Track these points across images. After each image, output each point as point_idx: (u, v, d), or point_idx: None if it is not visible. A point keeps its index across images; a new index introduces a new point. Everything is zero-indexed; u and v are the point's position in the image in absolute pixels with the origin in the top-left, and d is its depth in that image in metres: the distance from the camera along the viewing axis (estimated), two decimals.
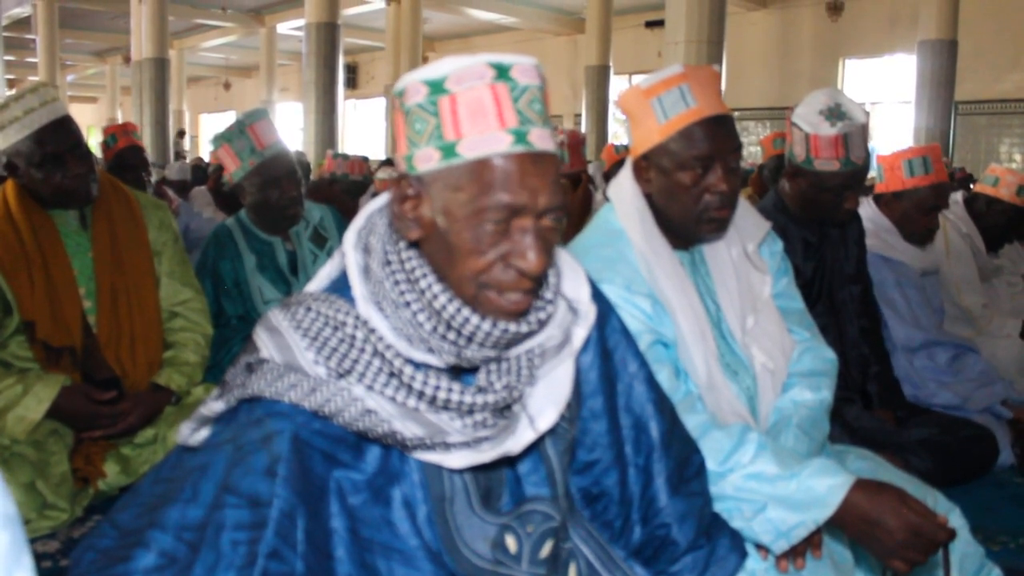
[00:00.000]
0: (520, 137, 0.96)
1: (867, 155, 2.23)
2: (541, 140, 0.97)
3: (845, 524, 1.29)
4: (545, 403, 1.06)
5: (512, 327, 1.01)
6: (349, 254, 1.05)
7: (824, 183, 2.22)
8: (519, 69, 0.97)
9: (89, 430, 2.20)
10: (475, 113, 0.95)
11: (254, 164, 2.64)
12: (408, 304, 1.00)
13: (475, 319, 0.99)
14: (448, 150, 0.95)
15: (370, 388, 0.99)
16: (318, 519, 0.97)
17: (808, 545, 1.33)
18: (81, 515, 2.18)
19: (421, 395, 0.99)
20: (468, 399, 1.00)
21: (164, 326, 2.42)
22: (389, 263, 1.02)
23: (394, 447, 1.02)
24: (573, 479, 1.23)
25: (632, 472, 1.24)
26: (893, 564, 1.26)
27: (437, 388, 0.99)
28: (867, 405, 2.49)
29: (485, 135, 0.95)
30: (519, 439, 1.03)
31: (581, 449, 1.22)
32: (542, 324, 1.05)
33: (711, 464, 1.34)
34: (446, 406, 1.00)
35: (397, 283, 1.01)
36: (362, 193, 4.60)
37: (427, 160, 0.97)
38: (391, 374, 1.00)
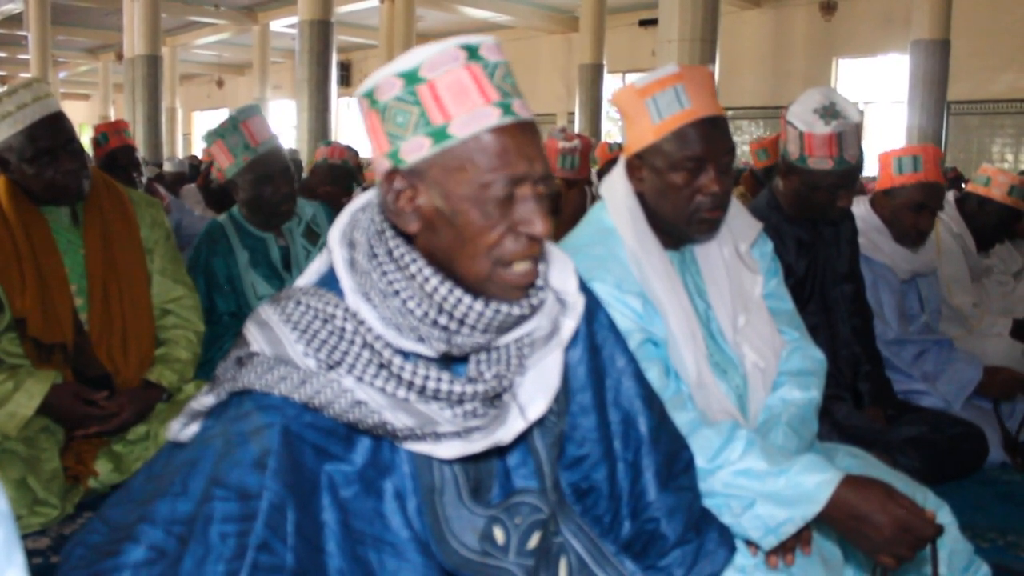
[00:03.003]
0: (507, 109, 0.98)
1: (860, 154, 2.23)
2: (523, 109, 1.00)
3: (833, 520, 1.30)
4: (535, 393, 1.07)
5: (504, 308, 1.02)
6: (335, 250, 1.06)
7: (817, 182, 2.22)
8: (486, 48, 1.00)
9: (79, 428, 2.19)
10: (458, 94, 0.96)
11: (248, 160, 2.64)
12: (397, 292, 1.00)
13: (467, 299, 1.00)
14: (439, 134, 0.96)
15: (360, 379, 1.00)
16: (309, 512, 0.97)
17: (797, 541, 1.34)
18: (72, 512, 2.17)
19: (411, 385, 1.00)
20: (458, 388, 1.01)
21: (156, 323, 2.41)
22: (375, 255, 1.02)
23: (385, 439, 1.03)
24: (563, 474, 1.24)
25: (621, 467, 1.25)
26: (881, 560, 1.27)
27: (427, 378, 1.00)
28: (858, 404, 2.50)
29: (473, 112, 0.96)
30: (509, 429, 1.03)
31: (571, 444, 1.23)
32: (534, 309, 1.06)
33: (700, 461, 1.34)
34: (436, 396, 1.01)
35: (385, 273, 1.01)
36: (344, 179, 4.53)
37: (417, 149, 0.97)
38: (380, 365, 1.00)
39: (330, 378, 0.99)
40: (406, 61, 0.97)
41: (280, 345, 1.01)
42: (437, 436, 1.01)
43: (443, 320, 1.00)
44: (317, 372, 1.00)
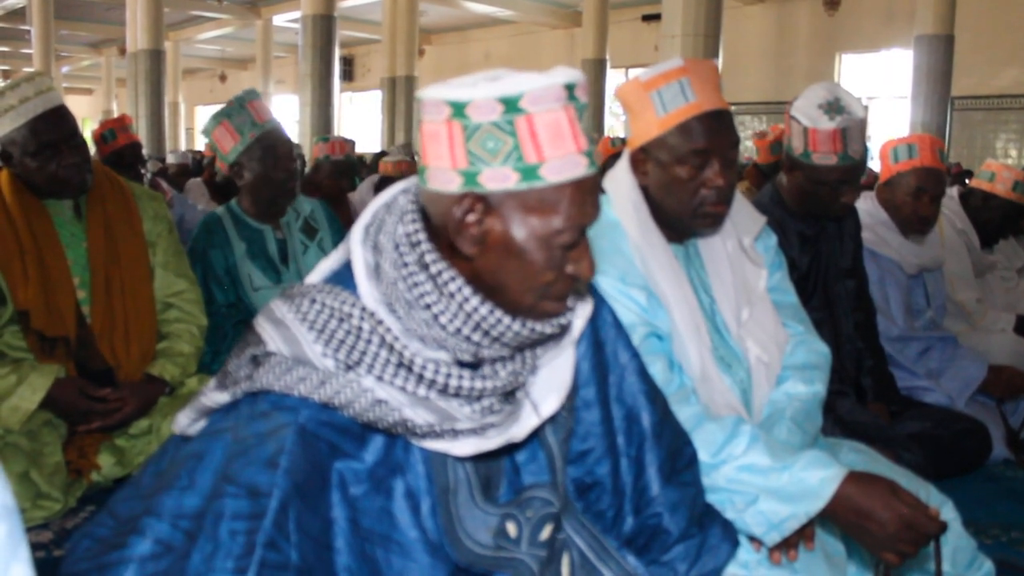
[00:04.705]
0: (591, 159, 0.98)
1: (865, 150, 2.23)
2: (597, 157, 1.01)
3: (837, 516, 1.30)
4: (547, 390, 1.08)
5: (539, 327, 1.03)
6: (356, 250, 1.04)
7: (821, 177, 2.21)
8: (580, 88, 0.99)
9: (82, 423, 2.20)
10: (555, 136, 0.96)
11: (254, 136, 2.64)
12: (428, 306, 1.00)
13: (507, 320, 1.01)
14: (529, 172, 0.95)
15: (380, 379, 1.00)
16: (317, 509, 0.97)
17: (800, 537, 1.33)
18: (75, 505, 2.18)
19: (432, 383, 1.00)
20: (479, 384, 1.01)
21: (158, 317, 2.42)
22: (405, 264, 1.01)
23: (399, 438, 1.03)
24: (568, 469, 1.24)
25: (624, 463, 1.25)
26: (884, 556, 1.27)
27: (449, 375, 1.00)
28: (861, 399, 2.50)
29: (566, 159, 0.96)
30: (523, 425, 1.04)
31: (575, 439, 1.23)
32: (563, 329, 1.07)
33: (704, 456, 1.34)
34: (457, 393, 1.01)
35: (416, 284, 1.00)
36: (349, 173, 4.49)
37: (502, 180, 0.96)
38: (400, 364, 1.00)
39: (349, 378, 0.99)
40: (508, 87, 0.94)
41: (297, 345, 1.01)
42: (455, 433, 1.01)
43: (476, 337, 1.01)
44: (336, 373, 0.99)
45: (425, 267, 1.00)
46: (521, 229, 0.97)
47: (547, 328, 1.04)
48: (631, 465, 1.25)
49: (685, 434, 1.33)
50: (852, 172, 2.21)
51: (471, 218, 0.98)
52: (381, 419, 0.99)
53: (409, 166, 5.51)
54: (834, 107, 2.15)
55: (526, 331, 1.02)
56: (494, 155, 0.95)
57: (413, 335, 1.01)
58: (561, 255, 1.00)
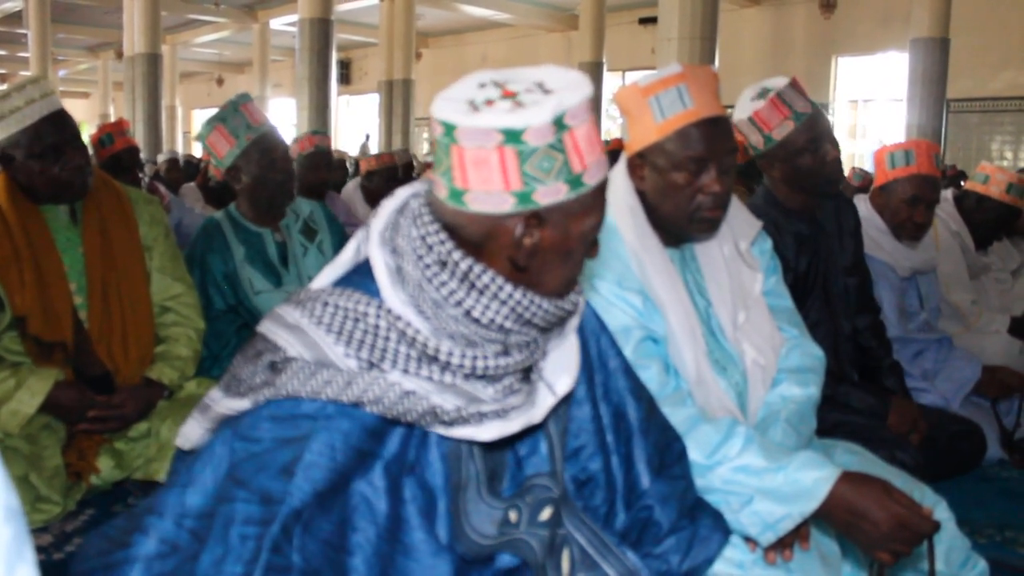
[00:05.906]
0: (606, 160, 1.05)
1: (815, 106, 2.25)
2: None
3: (831, 516, 1.31)
4: (559, 371, 1.13)
5: (561, 304, 1.09)
6: (375, 254, 1.06)
7: (794, 146, 2.21)
8: (592, 96, 1.05)
9: (81, 424, 2.20)
10: (589, 144, 1.02)
11: (251, 139, 2.64)
12: (460, 303, 1.02)
13: (538, 299, 1.05)
14: (576, 182, 1.01)
15: (405, 372, 1.02)
16: (331, 513, 0.98)
17: (796, 537, 1.34)
18: (74, 508, 2.18)
19: (459, 368, 1.03)
20: (503, 362, 1.05)
21: (156, 321, 2.42)
22: (428, 266, 1.03)
23: (413, 437, 1.05)
24: (564, 466, 1.26)
25: (615, 459, 1.28)
26: (878, 556, 1.28)
27: (475, 358, 1.03)
28: (883, 398, 2.46)
29: (599, 162, 1.03)
30: (541, 406, 1.08)
31: (568, 436, 1.26)
32: (575, 305, 1.13)
33: (699, 457, 1.36)
34: (483, 374, 1.04)
35: (443, 284, 1.02)
36: (321, 164, 4.42)
37: (555, 194, 1.00)
38: (421, 357, 1.03)
39: (374, 375, 1.01)
40: (554, 107, 0.97)
41: (318, 348, 1.02)
42: (480, 417, 1.03)
43: (509, 323, 1.04)
44: (360, 372, 1.01)
45: (451, 265, 1.02)
46: (568, 234, 1.03)
47: (567, 305, 1.10)
48: (621, 462, 1.28)
49: (672, 429, 1.35)
50: (816, 126, 2.21)
51: (527, 233, 1.02)
52: (411, 410, 1.01)
53: (390, 157, 5.55)
54: (760, 93, 2.25)
55: (553, 308, 1.07)
56: (548, 173, 0.99)
57: (443, 333, 1.03)
58: (588, 248, 1.07)
